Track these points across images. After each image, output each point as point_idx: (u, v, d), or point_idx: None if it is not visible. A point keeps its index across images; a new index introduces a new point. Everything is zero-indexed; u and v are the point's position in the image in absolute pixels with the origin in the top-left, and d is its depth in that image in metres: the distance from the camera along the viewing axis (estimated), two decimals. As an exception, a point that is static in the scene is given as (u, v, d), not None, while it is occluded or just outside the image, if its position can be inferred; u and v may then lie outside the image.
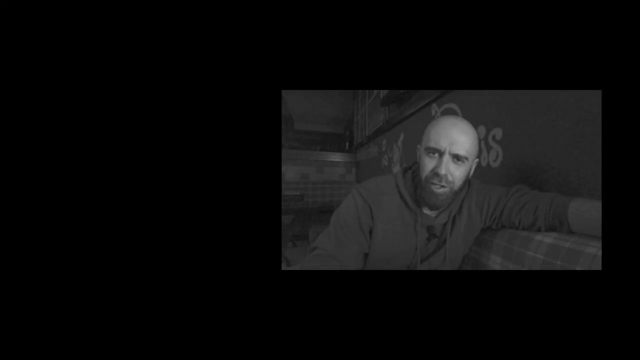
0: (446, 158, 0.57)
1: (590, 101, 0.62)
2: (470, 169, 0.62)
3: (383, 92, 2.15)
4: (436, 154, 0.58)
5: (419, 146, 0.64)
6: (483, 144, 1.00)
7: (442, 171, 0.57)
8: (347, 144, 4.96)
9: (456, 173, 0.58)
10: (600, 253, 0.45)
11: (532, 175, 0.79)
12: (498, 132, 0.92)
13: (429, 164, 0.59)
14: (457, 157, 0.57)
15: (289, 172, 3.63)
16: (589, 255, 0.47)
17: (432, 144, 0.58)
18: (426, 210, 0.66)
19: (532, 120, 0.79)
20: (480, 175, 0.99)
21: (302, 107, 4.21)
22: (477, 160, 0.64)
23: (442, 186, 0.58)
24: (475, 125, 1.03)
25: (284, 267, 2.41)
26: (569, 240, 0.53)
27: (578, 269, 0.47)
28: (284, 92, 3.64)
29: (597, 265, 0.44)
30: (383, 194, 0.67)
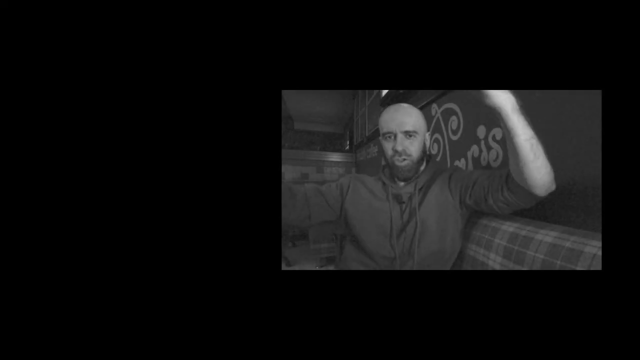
0: (399, 137, 0.72)
1: (590, 101, 0.62)
2: (426, 142, 0.78)
3: (383, 93, 2.15)
4: (391, 136, 0.74)
5: (379, 138, 0.79)
6: (483, 144, 1.00)
7: (399, 147, 0.72)
8: (347, 143, 4.96)
9: (411, 147, 0.73)
10: (600, 253, 0.45)
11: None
12: (498, 132, 0.92)
13: (388, 145, 0.75)
14: (407, 134, 0.73)
15: (289, 171, 3.64)
16: (588, 254, 0.48)
17: (385, 130, 0.74)
18: (397, 183, 0.80)
19: (532, 120, 0.79)
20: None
21: (302, 107, 4.21)
22: (428, 133, 0.80)
23: (404, 159, 0.74)
24: (475, 125, 1.04)
25: (284, 267, 2.41)
26: (569, 240, 0.53)
27: (578, 268, 0.47)
28: (283, 92, 3.64)
29: (597, 265, 0.44)
30: (366, 177, 0.87)
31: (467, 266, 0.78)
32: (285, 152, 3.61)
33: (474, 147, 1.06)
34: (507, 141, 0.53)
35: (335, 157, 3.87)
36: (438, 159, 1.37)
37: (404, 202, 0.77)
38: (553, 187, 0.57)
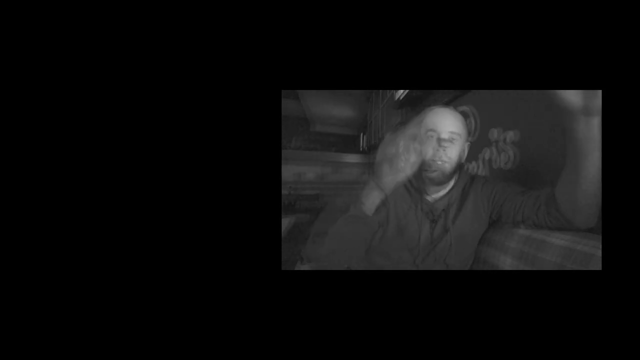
0: (443, 136, 0.67)
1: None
2: (464, 150, 0.72)
3: (398, 95, 2.13)
4: (433, 136, 0.68)
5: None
6: (494, 147, 0.98)
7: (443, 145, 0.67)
8: (361, 145, 4.94)
9: (450, 152, 0.68)
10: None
11: (545, 177, 0.77)
12: (511, 135, 0.90)
13: (429, 146, 0.69)
14: (451, 136, 0.68)
15: (308, 172, 3.70)
16: (599, 258, 0.47)
17: (431, 127, 0.69)
18: (426, 196, 0.74)
19: (545, 121, 0.77)
20: (494, 177, 0.97)
21: (319, 109, 4.23)
22: (468, 143, 0.74)
23: (444, 162, 0.68)
24: (489, 128, 1.02)
25: (299, 265, 2.43)
26: (581, 243, 0.52)
27: (588, 272, 0.46)
28: (301, 95, 3.70)
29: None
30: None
31: (478, 268, 0.77)
32: (303, 153, 3.69)
33: (486, 150, 1.03)
34: (568, 147, 0.47)
35: (350, 158, 3.89)
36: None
37: (435, 221, 0.72)
38: (593, 223, 0.54)
